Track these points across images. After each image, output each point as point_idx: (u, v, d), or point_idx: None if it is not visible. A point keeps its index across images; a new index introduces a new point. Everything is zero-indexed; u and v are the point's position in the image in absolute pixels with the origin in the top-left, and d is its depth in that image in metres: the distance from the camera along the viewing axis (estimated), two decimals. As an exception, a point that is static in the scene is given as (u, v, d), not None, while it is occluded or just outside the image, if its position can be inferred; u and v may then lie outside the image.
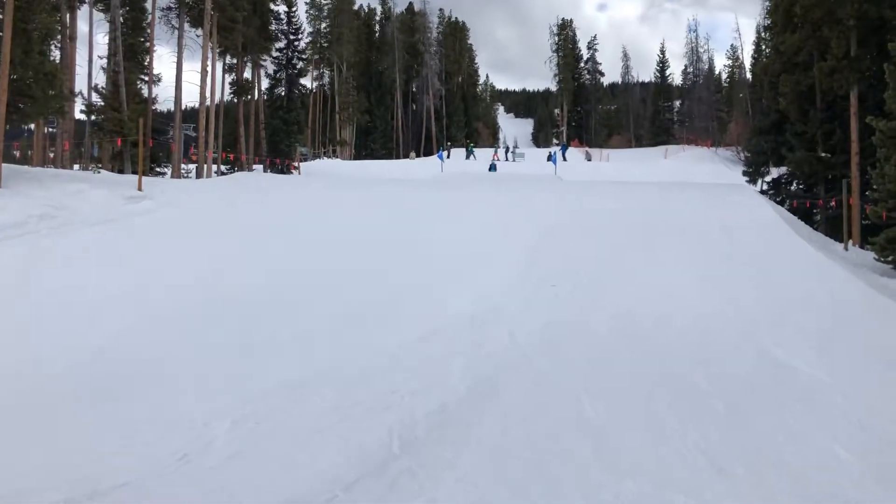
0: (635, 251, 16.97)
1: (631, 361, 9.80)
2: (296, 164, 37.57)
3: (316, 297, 12.97)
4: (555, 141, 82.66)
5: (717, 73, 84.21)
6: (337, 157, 61.89)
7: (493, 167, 45.52)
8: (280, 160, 36.27)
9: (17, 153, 40.13)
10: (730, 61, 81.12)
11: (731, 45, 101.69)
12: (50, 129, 37.97)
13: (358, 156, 66.47)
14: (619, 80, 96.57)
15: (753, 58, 66.32)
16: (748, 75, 69.51)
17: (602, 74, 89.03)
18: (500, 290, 13.54)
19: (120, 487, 5.70)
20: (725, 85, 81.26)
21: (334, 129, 68.02)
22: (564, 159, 45.65)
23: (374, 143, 70.05)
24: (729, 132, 66.65)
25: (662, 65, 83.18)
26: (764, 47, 51.83)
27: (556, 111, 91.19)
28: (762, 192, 31.48)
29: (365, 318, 11.86)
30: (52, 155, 35.89)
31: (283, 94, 39.36)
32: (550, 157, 49.79)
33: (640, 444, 6.98)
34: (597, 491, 5.91)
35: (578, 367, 9.45)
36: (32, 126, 35.15)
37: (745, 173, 35.49)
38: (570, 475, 6.23)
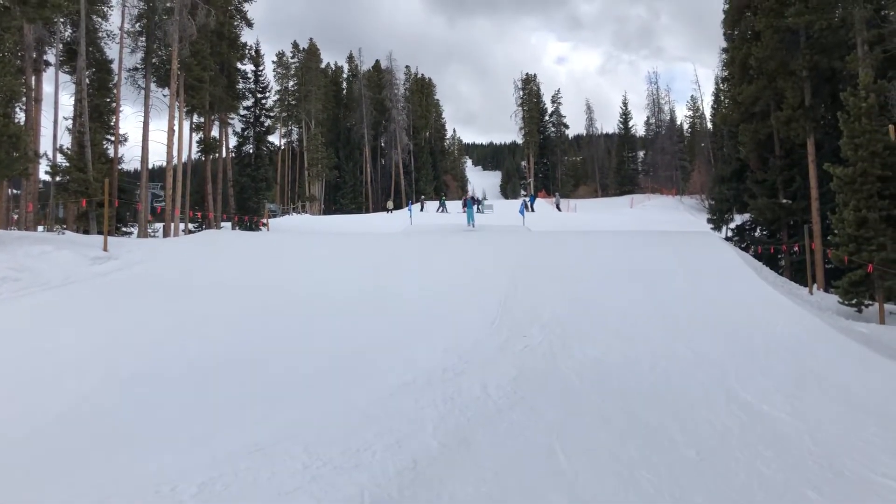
0: (604, 299, 17.11)
1: (602, 410, 9.79)
2: (264, 220, 37.50)
3: (283, 356, 12.84)
4: (522, 192, 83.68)
5: (678, 123, 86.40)
6: (306, 213, 61.94)
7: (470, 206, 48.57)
8: (248, 217, 36.19)
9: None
10: (690, 112, 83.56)
11: (692, 96, 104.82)
12: (13, 192, 37.60)
13: (328, 211, 66.57)
14: (583, 131, 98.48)
15: (713, 107, 68.20)
16: (709, 125, 71.39)
17: (567, 126, 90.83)
18: (472, 342, 13.52)
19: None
20: (687, 135, 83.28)
21: (303, 184, 68.20)
22: (532, 210, 46.13)
23: (344, 197, 70.26)
24: (692, 180, 67.97)
25: (625, 116, 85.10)
26: (723, 97, 53.44)
27: (523, 163, 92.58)
28: (727, 238, 32.05)
29: (334, 375, 11.74)
30: (15, 217, 35.51)
31: (251, 151, 39.51)
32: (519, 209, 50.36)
33: (614, 494, 6.94)
34: (572, 545, 5.83)
35: (551, 417, 9.42)
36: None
37: (709, 220, 36.15)
38: (543, 529, 6.15)
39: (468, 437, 8.70)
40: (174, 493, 6.96)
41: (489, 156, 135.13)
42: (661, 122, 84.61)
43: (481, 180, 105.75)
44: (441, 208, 51.14)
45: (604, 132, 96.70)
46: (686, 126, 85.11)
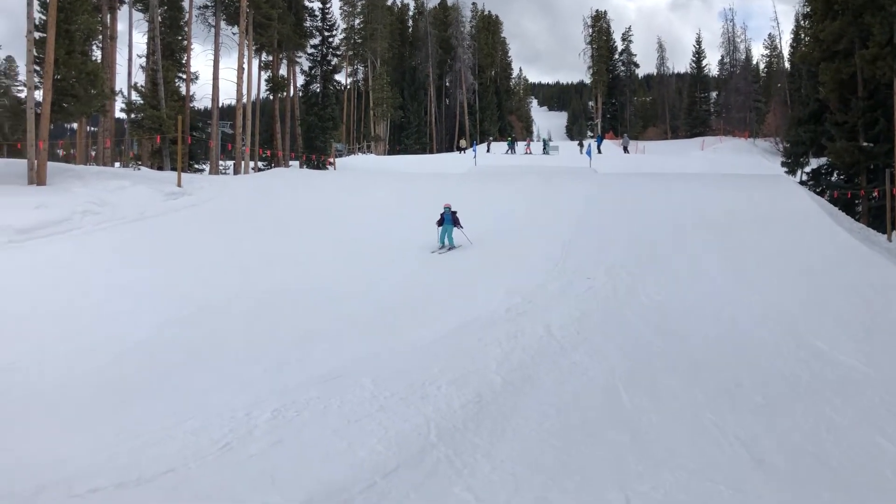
0: (671, 243, 16.84)
1: (666, 353, 9.76)
2: (331, 160, 37.82)
3: (349, 294, 13.10)
4: (589, 133, 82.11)
5: (754, 62, 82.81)
6: (371, 153, 62.14)
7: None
8: (315, 156, 36.54)
9: (61, 152, 41.00)
10: (767, 50, 79.77)
11: (769, 34, 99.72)
12: (91, 129, 38.75)
13: (392, 151, 66.66)
14: (654, 71, 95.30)
15: (792, 46, 64.96)
16: (787, 64, 68.23)
17: (637, 66, 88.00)
18: (535, 283, 13.54)
19: (165, 474, 5.86)
20: (763, 75, 79.89)
21: (368, 124, 68.38)
22: (599, 152, 45.26)
23: (408, 138, 70.19)
24: (767, 123, 65.38)
25: (698, 55, 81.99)
26: (803, 35, 50.90)
27: (591, 103, 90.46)
28: (801, 183, 30.94)
29: (399, 313, 11.96)
30: (93, 153, 36.63)
31: (318, 90, 39.60)
32: (583, 149, 49.46)
33: (677, 436, 6.97)
34: (634, 481, 5.92)
35: (614, 359, 9.44)
36: (75, 125, 35.95)
37: (783, 164, 34.88)
38: (606, 465, 6.26)
39: (531, 374, 8.82)
40: (249, 418, 7.30)
41: (555, 96, 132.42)
42: (735, 61, 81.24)
43: (547, 121, 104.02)
44: (509, 150, 50.60)
45: (675, 72, 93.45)
46: (762, 66, 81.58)
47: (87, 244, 16.20)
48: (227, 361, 9.52)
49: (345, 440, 6.61)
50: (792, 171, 33.72)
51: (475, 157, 37.89)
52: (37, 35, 20.95)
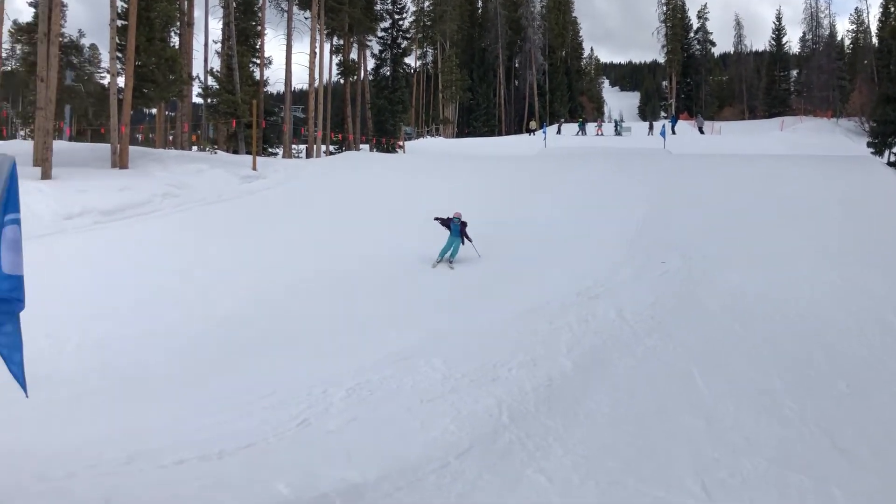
0: (748, 226, 16.32)
1: (744, 340, 9.52)
2: (400, 143, 38.06)
3: (421, 276, 13.20)
4: (662, 114, 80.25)
5: (838, 38, 79.34)
6: (440, 136, 62.26)
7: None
8: (385, 139, 36.85)
9: (140, 136, 42.43)
10: (853, 25, 76.37)
11: (856, 8, 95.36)
12: (169, 113, 39.90)
13: (461, 133, 66.60)
14: (731, 49, 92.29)
15: (880, 20, 61.97)
16: (874, 40, 65.11)
17: (713, 44, 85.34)
18: (607, 267, 13.38)
19: (245, 448, 6.04)
20: (848, 51, 76.51)
21: (437, 107, 68.48)
22: (673, 132, 44.24)
23: (477, 120, 69.97)
24: (851, 101, 62.61)
25: (778, 32, 78.99)
26: (893, 8, 48.54)
27: (664, 83, 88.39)
28: (889, 164, 29.62)
29: (470, 295, 12.01)
30: (171, 137, 37.78)
31: (387, 73, 39.87)
32: (652, 129, 48.42)
33: (755, 423, 6.81)
34: (711, 467, 5.82)
35: (689, 344, 9.27)
36: (154, 110, 37.09)
37: (869, 144, 33.39)
38: (681, 451, 6.16)
39: (603, 359, 8.74)
40: (325, 395, 7.46)
41: (627, 75, 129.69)
42: (818, 37, 77.95)
43: (619, 101, 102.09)
44: (580, 131, 49.96)
45: (753, 49, 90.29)
46: (847, 42, 78.09)
47: (168, 226, 16.74)
48: (303, 340, 9.75)
49: (418, 419, 6.69)
50: (879, 152, 32.27)
51: (545, 138, 37.54)
52: (119, 23, 21.66)
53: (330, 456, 5.72)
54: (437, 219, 14.83)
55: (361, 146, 37.03)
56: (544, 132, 40.46)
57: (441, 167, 26.48)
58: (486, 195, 19.76)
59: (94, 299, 10.77)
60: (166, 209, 18.43)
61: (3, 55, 20.62)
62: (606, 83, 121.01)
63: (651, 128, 49.94)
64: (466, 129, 69.02)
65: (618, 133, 49.83)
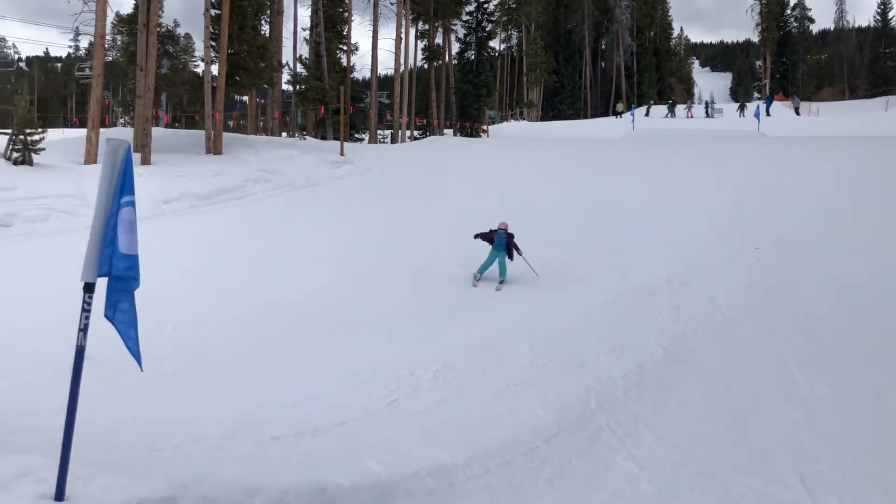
0: (849, 212, 15.53)
1: (844, 328, 9.13)
2: (484, 127, 38.02)
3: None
4: (756, 95, 77.32)
5: (952, 10, 74.53)
6: (524, 119, 61.85)
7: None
8: (469, 124, 36.86)
9: (232, 123, 43.75)
10: (967, -3, 71.66)
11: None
12: (260, 100, 40.96)
13: (545, 117, 65.96)
14: (830, 25, 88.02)
15: None
16: None
17: (811, 21, 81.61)
18: (698, 252, 13.04)
19: (338, 426, 6.20)
20: (962, 25, 71.89)
21: (521, 90, 67.98)
22: (768, 114, 42.56)
23: (562, 103, 69.11)
24: (965, 78, 58.98)
25: (884, 6, 74.79)
26: None
27: (758, 63, 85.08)
28: None
29: (556, 281, 11.89)
30: (261, 124, 38.80)
31: (472, 57, 39.78)
32: (744, 110, 46.74)
33: (857, 417, 6.54)
34: (809, 460, 5.64)
35: (785, 333, 8.96)
36: (245, 97, 38.15)
37: (984, 124, 31.46)
38: (778, 443, 5.99)
39: (694, 347, 8.55)
40: (413, 377, 7.58)
41: (718, 56, 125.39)
42: (929, 10, 73.48)
43: (709, 82, 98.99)
44: (668, 113, 48.75)
45: (856, 25, 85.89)
46: (962, 14, 73.30)
47: (260, 209, 17.25)
48: (388, 322, 9.88)
49: (505, 403, 6.71)
50: None
51: (633, 121, 36.77)
52: (212, 13, 22.34)
53: (419, 436, 5.80)
54: (477, 235, 12.61)
55: (445, 131, 37.17)
56: (632, 114, 39.61)
57: (525, 150, 26.31)
58: (570, 178, 19.53)
59: (191, 280, 11.19)
60: (258, 194, 18.98)
61: (106, 46, 21.54)
62: (696, 64, 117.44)
63: (743, 109, 48.20)
64: (551, 112, 68.31)
65: (708, 115, 48.32)
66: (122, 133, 24.27)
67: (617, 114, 55.83)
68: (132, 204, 3.17)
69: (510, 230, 12.39)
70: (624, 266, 12.40)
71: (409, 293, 11.31)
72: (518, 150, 26.58)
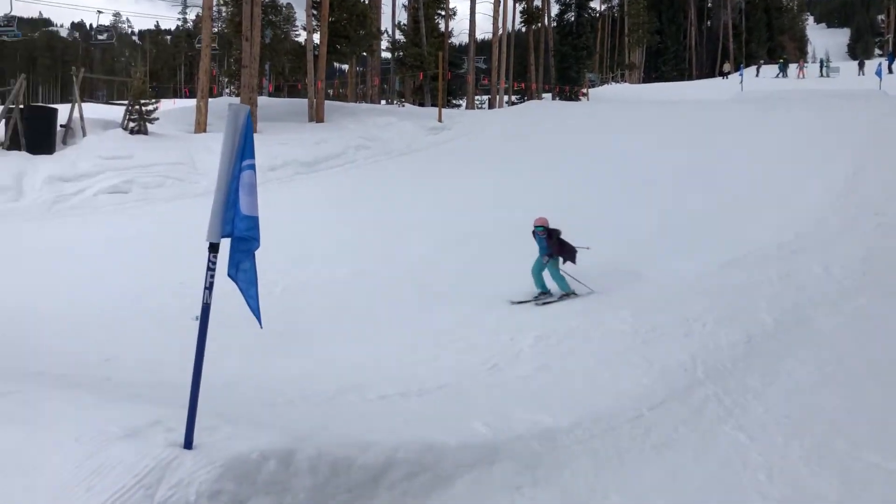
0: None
1: (975, 300, 8.56)
2: (584, 90, 37.27)
3: (603, 223, 12.87)
4: (877, 52, 72.55)
5: None
6: (625, 82, 60.22)
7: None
8: (569, 87, 36.19)
9: (332, 91, 44.50)
10: None
11: None
12: (359, 68, 41.47)
13: (647, 79, 64.00)
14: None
15: None
16: None
17: (942, -31, 75.64)
18: (811, 218, 12.47)
19: (441, 388, 6.32)
20: None
21: (623, 52, 66.16)
22: (890, 72, 39.83)
23: (665, 64, 66.81)
24: None
25: None
26: None
27: (880, 17, 79.65)
28: None
29: (660, 246, 11.64)
30: (361, 91, 39.30)
31: (572, 19, 38.91)
32: (863, 68, 43.95)
33: None
34: (934, 436, 5.35)
35: (908, 303, 8.47)
36: (345, 66, 38.69)
37: None
38: (900, 418, 5.70)
39: (807, 316, 8.20)
40: (513, 343, 7.64)
41: (835, 11, 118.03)
42: None
43: (824, 40, 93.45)
44: (780, 73, 46.39)
45: None
46: None
47: (362, 176, 17.60)
48: (488, 285, 9.92)
49: (608, 370, 6.65)
50: None
51: (741, 82, 35.24)
52: (314, -19, 22.70)
53: (522, 400, 5.84)
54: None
55: (544, 95, 36.63)
56: (740, 75, 37.94)
57: (626, 113, 25.65)
58: (673, 141, 18.89)
59: (297, 245, 11.52)
60: (359, 161, 19.34)
61: (213, 17, 22.24)
62: (811, 20, 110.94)
63: (862, 67, 45.30)
64: (653, 74, 66.25)
65: (823, 75, 45.66)
66: (229, 102, 25.08)
67: (724, 75, 53.47)
68: (252, 167, 3.29)
69: (552, 225, 9.88)
70: (732, 232, 12.00)
71: (507, 254, 11.22)
72: (619, 113, 25.94)
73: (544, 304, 9.46)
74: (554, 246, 9.73)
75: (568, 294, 9.70)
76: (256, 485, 3.32)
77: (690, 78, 63.35)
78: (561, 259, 9.84)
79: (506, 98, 34.29)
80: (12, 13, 28.54)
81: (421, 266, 10.88)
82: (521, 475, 4.43)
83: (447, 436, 4.46)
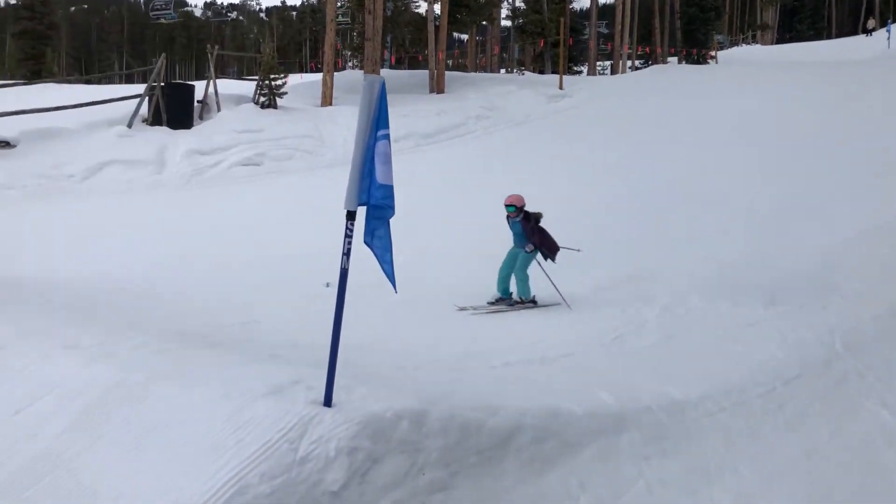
0: None
1: None
2: (712, 53, 35.67)
3: (734, 193, 12.38)
4: None
5: None
6: (757, 43, 57.14)
7: None
8: (696, 50, 34.73)
9: (451, 62, 44.64)
10: None
11: None
12: (479, 38, 41.38)
13: (781, 40, 60.43)
14: None
15: None
16: None
17: None
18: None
19: (565, 357, 6.33)
20: None
21: (754, 12, 62.73)
22: None
23: (801, 23, 62.77)
24: None
25: None
26: None
27: None
28: None
29: (789, 215, 11.06)
30: (480, 60, 39.23)
31: (699, -22, 37.24)
32: None
33: None
34: None
35: None
36: (464, 35, 38.72)
37: None
38: None
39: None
40: (638, 314, 7.55)
41: None
42: None
43: None
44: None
45: None
46: None
47: (481, 146, 17.65)
48: (610, 256, 9.73)
49: (739, 343, 6.45)
50: None
51: (888, 38, 32.71)
52: (435, -48, 22.74)
53: (647, 371, 5.75)
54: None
55: (669, 59, 35.33)
56: (888, 31, 35.18)
57: (757, 77, 24.31)
58: (807, 105, 17.76)
59: (419, 215, 11.68)
60: (478, 131, 19.38)
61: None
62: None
63: None
64: (788, 34, 62.48)
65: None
66: (351, 76, 25.62)
67: (867, 32, 49.63)
68: (387, 137, 3.39)
69: (529, 208, 8.40)
70: (879, 197, 11.21)
71: (627, 229, 11.01)
72: (750, 78, 24.61)
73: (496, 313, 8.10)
74: (535, 234, 8.26)
75: (524, 302, 8.27)
76: (391, 443, 3.46)
77: (829, 37, 59.34)
78: (540, 255, 8.33)
79: (629, 63, 33.32)
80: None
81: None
82: (649, 446, 4.39)
83: (573, 404, 4.48)
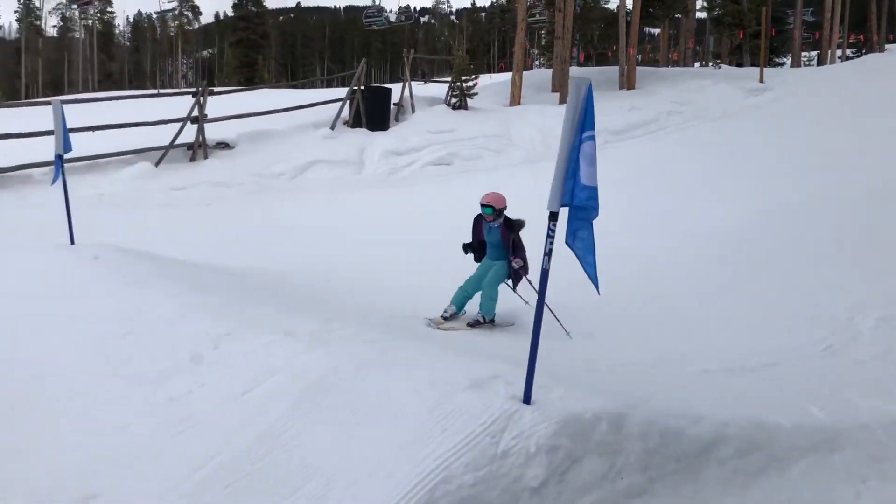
0: None
1: None
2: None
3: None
4: None
5: None
6: None
7: None
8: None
9: (641, 57, 43.43)
10: None
11: None
12: (671, 31, 39.96)
13: None
14: None
15: None
16: None
17: None
18: None
19: (768, 366, 6.00)
20: None
21: None
22: None
23: None
24: None
25: None
26: None
27: None
28: None
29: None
30: (672, 55, 37.85)
31: (925, -44, 33.67)
32: None
33: None
34: None
35: None
36: (656, 30, 37.50)
37: None
38: None
39: None
40: (851, 324, 6.98)
41: None
42: None
43: None
44: None
45: None
46: None
47: (671, 143, 17.09)
48: (820, 260, 9.05)
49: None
50: None
51: None
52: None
53: (865, 386, 5.32)
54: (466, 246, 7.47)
55: (887, 46, 32.26)
56: None
57: None
58: None
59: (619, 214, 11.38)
60: (670, 127, 18.78)
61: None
62: None
63: None
64: None
65: None
66: (538, 75, 25.66)
67: None
68: (593, 138, 3.38)
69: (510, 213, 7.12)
70: None
71: (837, 230, 10.14)
72: None
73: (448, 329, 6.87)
74: (513, 247, 6.93)
75: (485, 322, 6.96)
76: (590, 444, 3.46)
77: None
78: (508, 266, 7.00)
79: (839, 53, 30.80)
80: (380, 3, 31.98)
81: (736, 238, 10.20)
82: (867, 467, 4.06)
83: (779, 416, 4.24)
